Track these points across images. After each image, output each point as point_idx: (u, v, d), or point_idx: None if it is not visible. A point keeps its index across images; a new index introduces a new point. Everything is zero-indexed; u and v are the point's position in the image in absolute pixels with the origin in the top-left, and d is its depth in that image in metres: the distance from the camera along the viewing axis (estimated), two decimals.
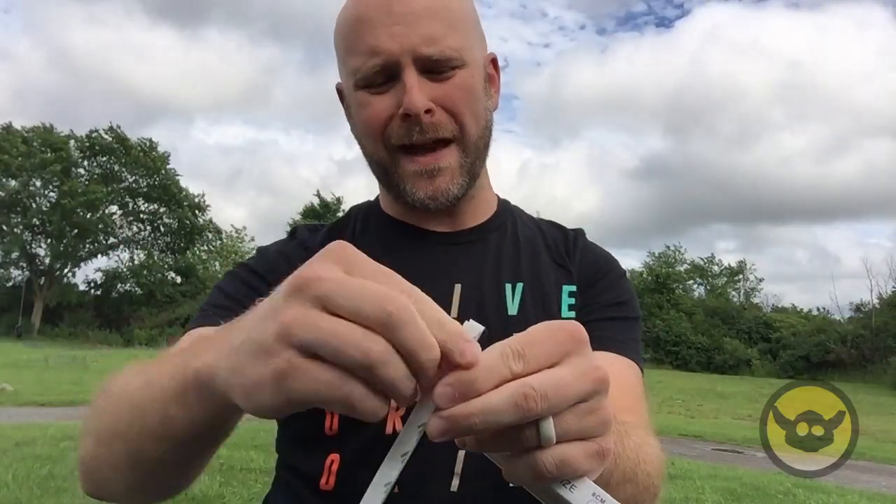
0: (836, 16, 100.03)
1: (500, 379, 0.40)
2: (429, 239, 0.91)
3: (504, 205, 1.00)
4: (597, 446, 0.43)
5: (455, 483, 0.80)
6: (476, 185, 0.90)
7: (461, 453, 0.81)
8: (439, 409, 0.40)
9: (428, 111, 0.80)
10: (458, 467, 0.80)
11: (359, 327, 0.38)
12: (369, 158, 0.88)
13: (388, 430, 0.80)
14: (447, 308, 0.85)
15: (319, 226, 0.97)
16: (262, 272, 0.87)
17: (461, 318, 0.83)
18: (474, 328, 0.42)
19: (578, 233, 1.00)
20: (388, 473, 0.42)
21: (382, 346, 0.37)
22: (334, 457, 0.80)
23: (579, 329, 0.43)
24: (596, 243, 1.00)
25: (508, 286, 0.89)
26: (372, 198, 1.01)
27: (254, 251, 0.98)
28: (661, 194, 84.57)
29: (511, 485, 0.80)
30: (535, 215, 1.05)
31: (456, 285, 0.87)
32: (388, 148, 0.84)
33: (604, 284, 0.93)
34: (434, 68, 0.81)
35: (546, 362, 0.41)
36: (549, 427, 0.41)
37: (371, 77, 0.81)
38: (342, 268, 0.40)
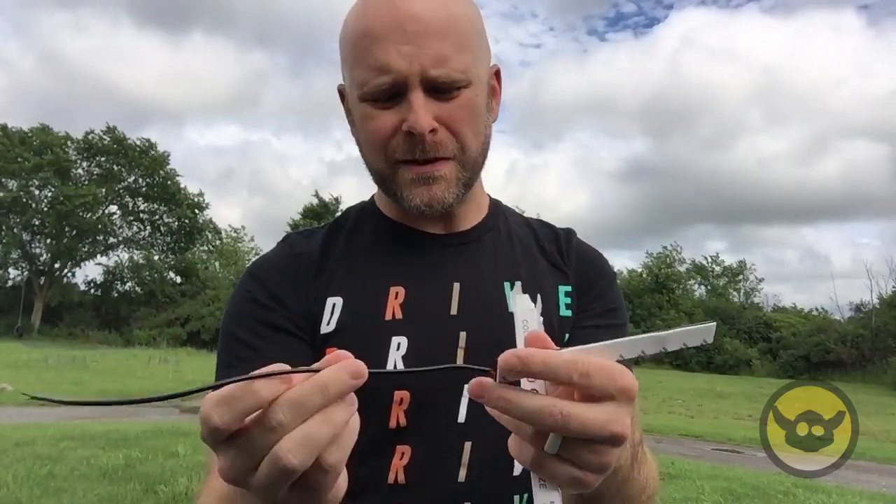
0: (811, 21, 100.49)
1: (557, 377, 0.47)
2: (425, 241, 0.92)
3: (496, 205, 1.01)
4: (582, 477, 0.49)
5: (462, 474, 0.81)
6: (470, 190, 0.91)
7: (468, 444, 0.82)
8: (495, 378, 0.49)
9: (432, 130, 0.81)
10: (466, 458, 0.82)
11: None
12: (370, 167, 0.89)
13: (392, 424, 0.80)
14: (446, 306, 0.87)
15: (314, 229, 0.97)
16: (269, 304, 0.86)
17: (461, 316, 0.85)
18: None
19: (570, 233, 1.01)
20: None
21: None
22: None
23: (635, 385, 0.49)
24: (587, 242, 1.01)
25: (507, 285, 0.90)
26: (366, 198, 1.01)
27: (252, 256, 0.95)
28: (650, 194, 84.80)
29: (515, 474, 0.81)
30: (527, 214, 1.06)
31: (454, 284, 0.88)
32: (390, 161, 0.85)
33: (597, 291, 0.95)
34: (440, 89, 0.81)
35: (596, 393, 0.48)
36: (556, 444, 0.49)
37: (378, 94, 0.82)
38: None
